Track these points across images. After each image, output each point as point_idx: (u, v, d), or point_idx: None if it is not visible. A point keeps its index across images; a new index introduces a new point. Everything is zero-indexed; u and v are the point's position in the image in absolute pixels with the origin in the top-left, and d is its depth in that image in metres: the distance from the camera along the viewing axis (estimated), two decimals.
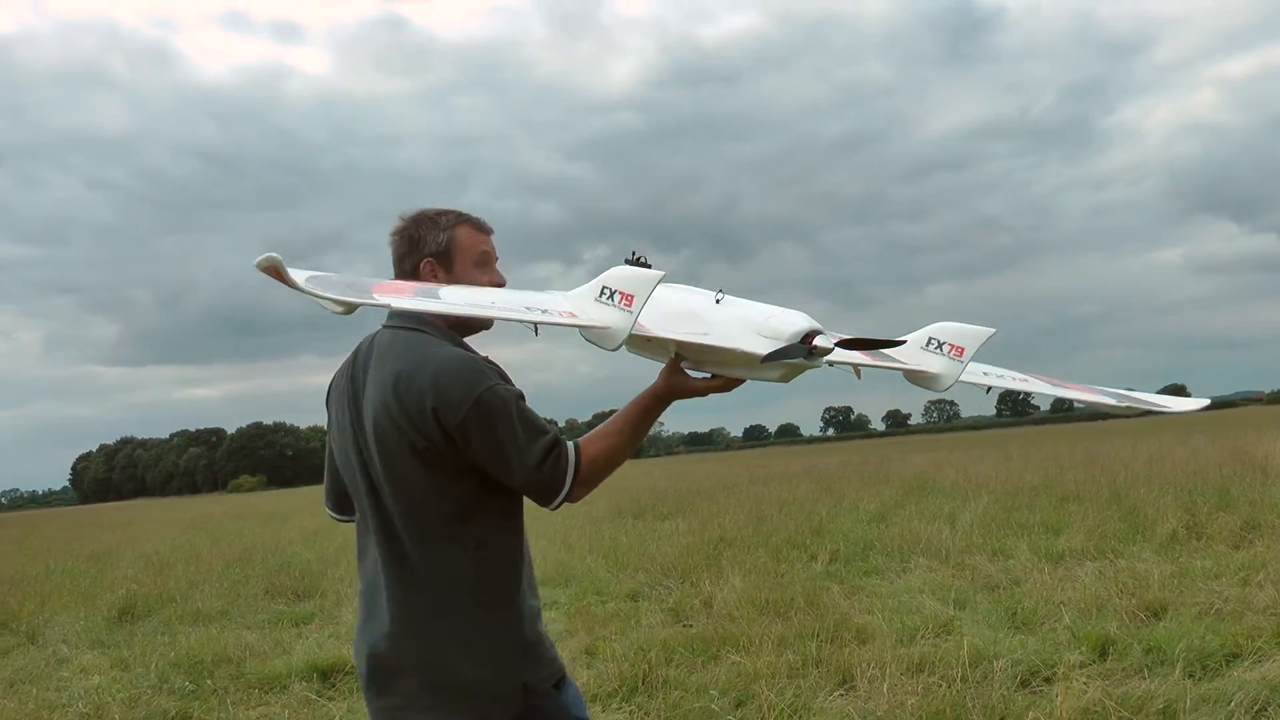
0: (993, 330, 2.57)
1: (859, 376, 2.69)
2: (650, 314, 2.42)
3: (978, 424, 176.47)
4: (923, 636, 6.90)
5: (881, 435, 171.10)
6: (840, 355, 2.54)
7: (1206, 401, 3.13)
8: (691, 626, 7.83)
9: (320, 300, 2.17)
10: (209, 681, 7.36)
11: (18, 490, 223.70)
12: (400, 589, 2.55)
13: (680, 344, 2.49)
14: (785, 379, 2.41)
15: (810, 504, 17.36)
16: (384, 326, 2.69)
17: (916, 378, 2.65)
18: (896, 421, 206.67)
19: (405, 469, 2.52)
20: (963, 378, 2.63)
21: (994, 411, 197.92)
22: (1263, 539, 9.46)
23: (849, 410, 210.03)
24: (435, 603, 2.53)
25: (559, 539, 15.13)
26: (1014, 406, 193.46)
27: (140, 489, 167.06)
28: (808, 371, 2.43)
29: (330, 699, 6.70)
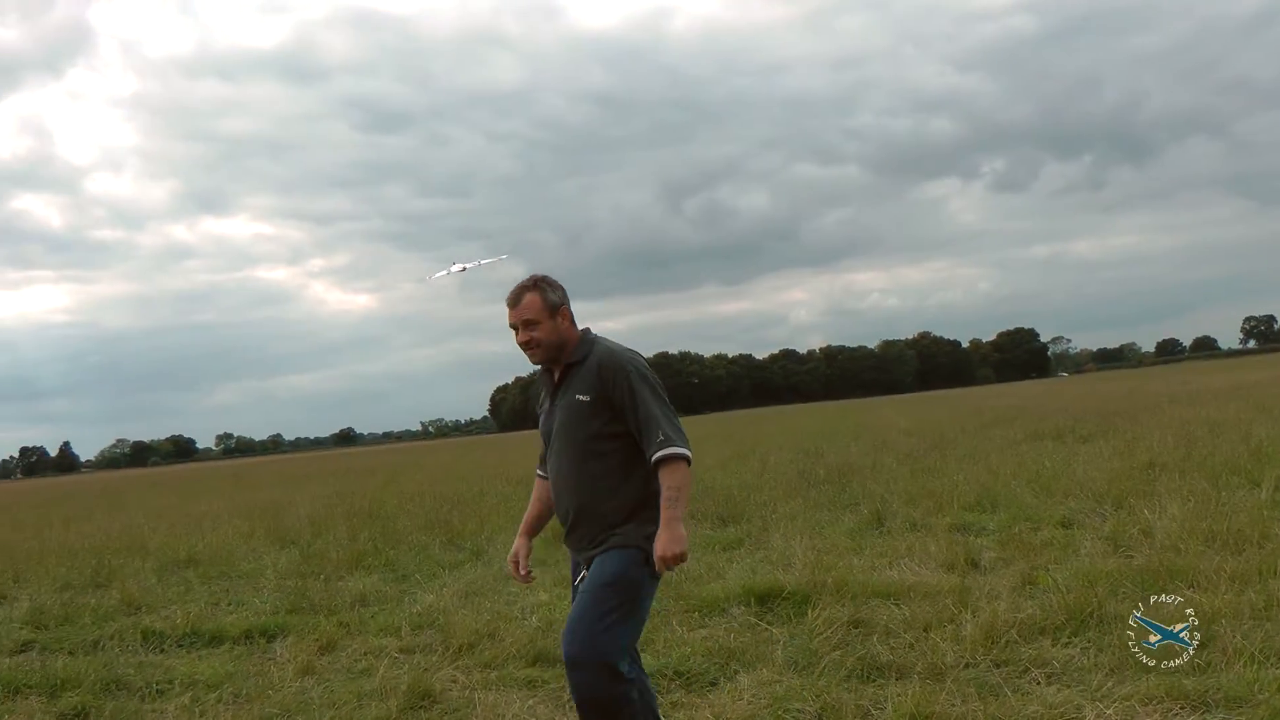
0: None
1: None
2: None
3: None
4: None
5: None
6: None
7: None
8: (1133, 558, 7.41)
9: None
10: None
11: (443, 419, 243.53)
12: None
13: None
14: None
15: (1244, 425, 16.08)
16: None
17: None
18: None
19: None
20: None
21: None
22: None
23: (1271, 319, 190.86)
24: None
25: (980, 462, 14.76)
26: None
27: None
28: None
29: (770, 624, 6.69)
